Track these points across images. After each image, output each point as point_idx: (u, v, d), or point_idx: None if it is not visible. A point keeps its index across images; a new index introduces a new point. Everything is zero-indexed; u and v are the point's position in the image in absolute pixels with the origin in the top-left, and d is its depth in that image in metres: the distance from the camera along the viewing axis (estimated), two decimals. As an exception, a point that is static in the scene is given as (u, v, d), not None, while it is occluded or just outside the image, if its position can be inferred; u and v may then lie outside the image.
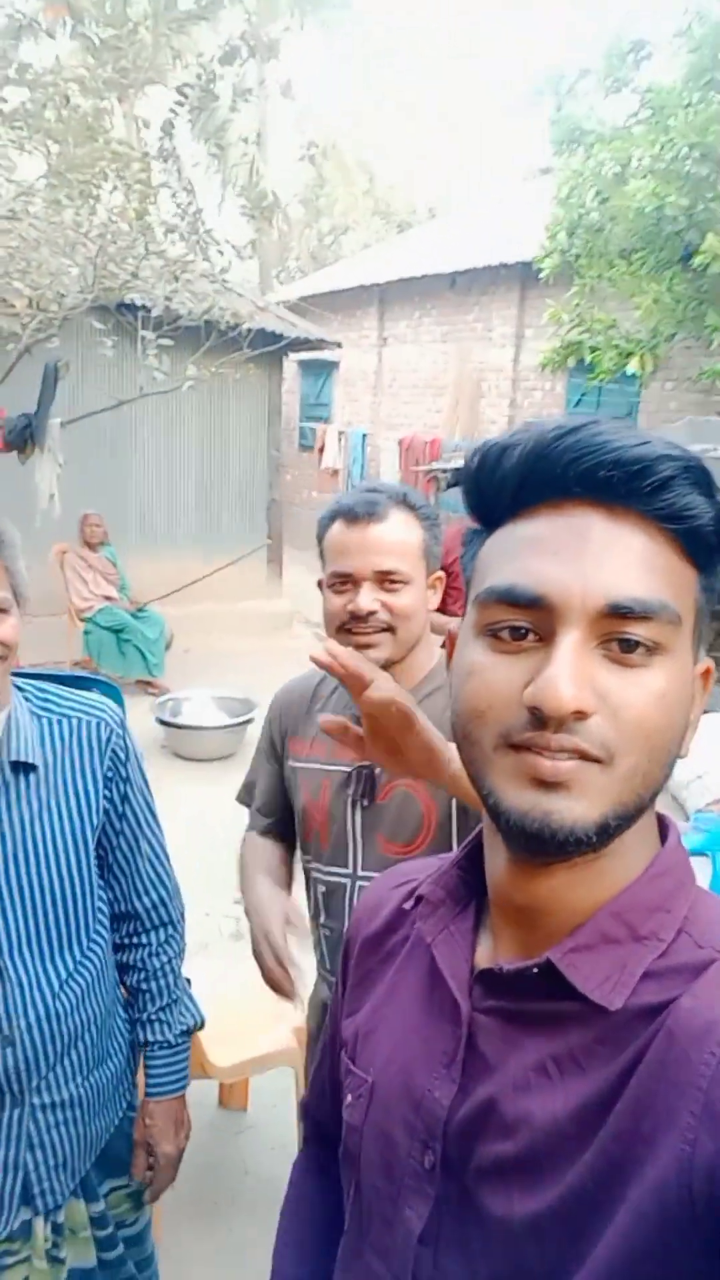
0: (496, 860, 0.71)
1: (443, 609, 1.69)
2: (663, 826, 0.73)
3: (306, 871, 1.65)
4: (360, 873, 1.54)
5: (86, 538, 7.36)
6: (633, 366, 7.93)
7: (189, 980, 1.66)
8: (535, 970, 0.66)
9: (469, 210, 16.32)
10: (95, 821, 1.42)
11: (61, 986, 1.38)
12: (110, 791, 1.44)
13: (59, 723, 1.41)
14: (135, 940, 1.55)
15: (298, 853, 1.73)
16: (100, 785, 1.42)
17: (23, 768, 1.34)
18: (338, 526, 1.52)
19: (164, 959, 1.57)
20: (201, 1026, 1.64)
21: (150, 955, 1.55)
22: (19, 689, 1.41)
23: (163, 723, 5.95)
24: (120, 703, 2.71)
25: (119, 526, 7.76)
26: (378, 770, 1.52)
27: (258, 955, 1.54)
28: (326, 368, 14.68)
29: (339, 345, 10.66)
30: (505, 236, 11.63)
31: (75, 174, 6.15)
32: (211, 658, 7.92)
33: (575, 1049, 0.64)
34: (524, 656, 0.63)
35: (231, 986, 3.28)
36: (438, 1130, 0.71)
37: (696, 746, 0.68)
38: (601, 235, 7.94)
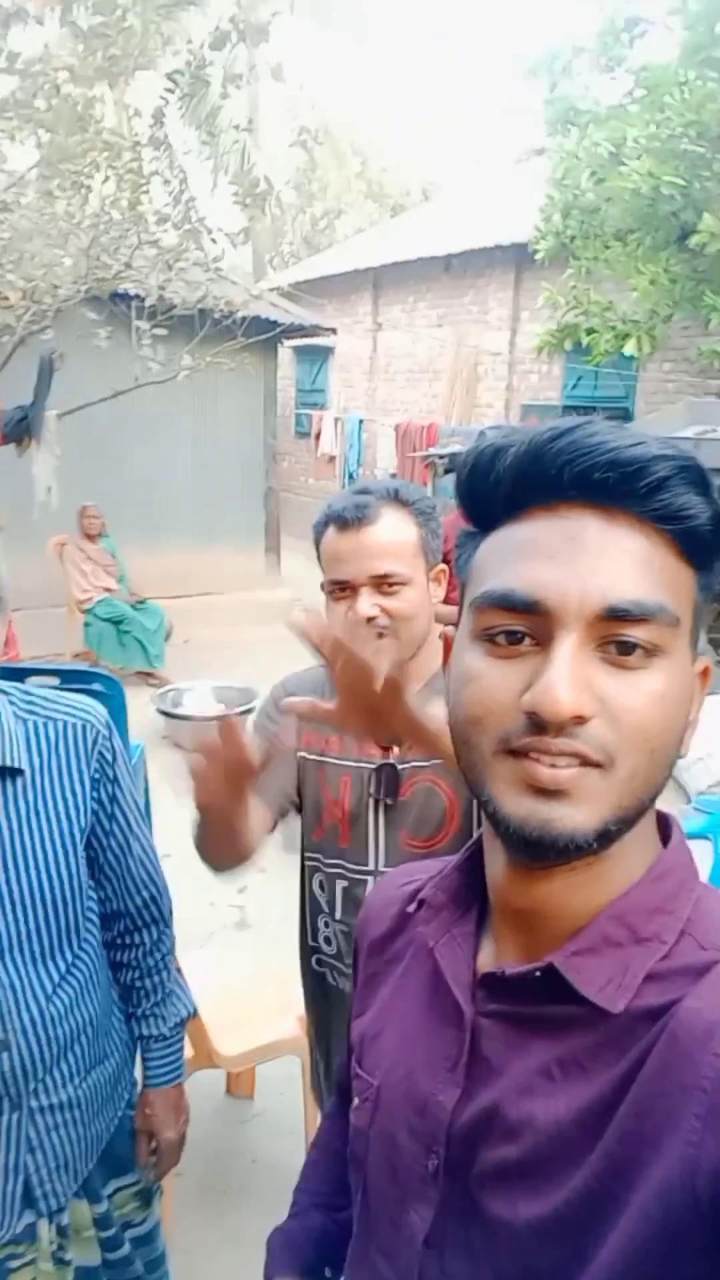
0: (496, 863, 0.71)
1: (447, 600, 1.69)
2: (665, 827, 0.72)
3: (314, 867, 1.63)
4: (381, 869, 1.54)
5: (85, 529, 7.35)
6: (630, 348, 7.91)
7: (180, 969, 1.67)
8: (538, 974, 0.66)
9: (463, 192, 16.24)
10: (84, 824, 1.41)
11: (55, 989, 1.38)
12: (99, 793, 1.43)
13: (45, 725, 1.39)
14: (128, 940, 1.56)
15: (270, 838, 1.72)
16: (88, 788, 1.41)
17: (9, 772, 1.34)
18: (330, 533, 1.50)
19: (157, 956, 1.58)
20: (194, 1016, 1.65)
21: (145, 954, 1.57)
22: (3, 692, 1.40)
23: (164, 714, 5.96)
24: (120, 695, 2.71)
25: (117, 518, 7.75)
26: (400, 766, 1.51)
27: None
28: (322, 354, 14.64)
29: (333, 331, 10.62)
30: (500, 218, 11.58)
31: (67, 164, 6.12)
32: (211, 648, 7.92)
33: (578, 1052, 0.64)
34: (521, 661, 0.63)
35: (237, 976, 3.31)
36: (441, 1134, 0.71)
37: (698, 729, 0.68)
38: (597, 216, 7.92)
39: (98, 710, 1.46)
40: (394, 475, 11.44)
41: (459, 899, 0.79)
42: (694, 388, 8.78)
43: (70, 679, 2.76)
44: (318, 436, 13.37)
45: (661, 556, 0.62)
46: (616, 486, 0.60)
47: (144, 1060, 1.60)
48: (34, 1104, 1.38)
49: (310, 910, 1.67)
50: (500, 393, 11.81)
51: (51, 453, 6.65)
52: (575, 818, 0.60)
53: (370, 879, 1.55)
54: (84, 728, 1.42)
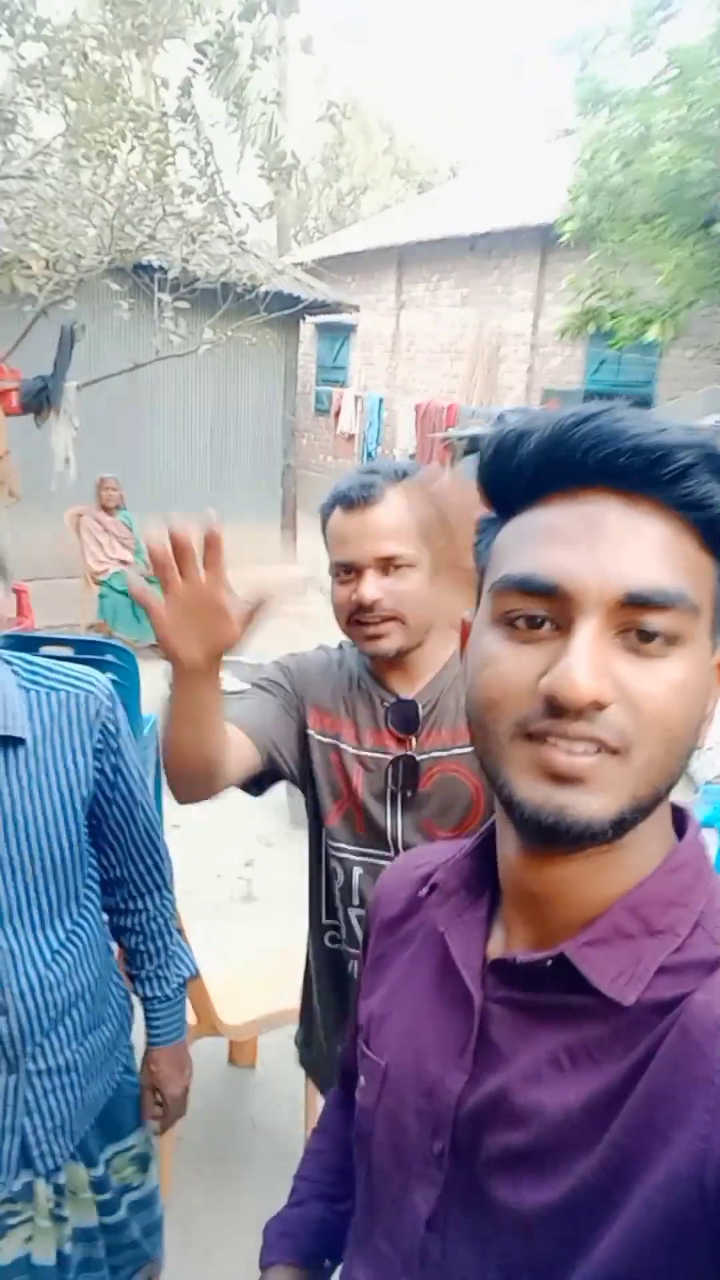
0: (509, 849, 0.71)
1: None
2: (680, 819, 0.72)
3: (329, 851, 1.58)
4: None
5: (103, 501, 7.37)
6: (652, 334, 7.86)
7: (182, 931, 1.70)
8: (549, 963, 0.66)
9: (490, 171, 16.09)
10: (85, 793, 1.43)
11: (54, 955, 1.40)
12: (101, 763, 1.44)
13: (48, 696, 1.40)
14: (131, 905, 1.59)
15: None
16: (90, 758, 1.42)
17: (10, 741, 1.35)
18: (336, 514, 1.46)
19: (160, 921, 1.61)
20: (196, 978, 1.68)
21: (148, 920, 1.60)
22: (7, 662, 1.41)
23: (176, 686, 5.98)
24: (134, 667, 2.73)
25: (134, 490, 7.76)
26: (419, 758, 1.48)
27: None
28: (344, 331, 14.58)
29: (356, 309, 10.57)
30: (527, 199, 11.49)
31: (93, 133, 6.10)
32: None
33: (588, 1042, 0.64)
34: (540, 646, 0.62)
35: (242, 946, 3.35)
36: (448, 1118, 0.71)
37: (713, 721, 0.67)
38: (624, 199, 7.85)
39: (101, 682, 1.47)
40: (413, 455, 11.43)
41: (470, 884, 0.79)
42: (718, 376, 8.71)
43: (84, 650, 2.79)
44: (337, 414, 13.35)
45: (683, 544, 0.61)
46: (639, 473, 0.60)
47: (147, 1020, 1.64)
48: (31, 1067, 1.41)
49: (325, 889, 1.65)
50: (521, 375, 11.76)
51: (70, 424, 6.66)
52: (591, 805, 0.60)
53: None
54: (87, 698, 1.43)
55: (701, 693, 0.63)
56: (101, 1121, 1.55)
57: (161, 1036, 1.64)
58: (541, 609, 0.62)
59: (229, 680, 6.59)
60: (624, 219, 7.87)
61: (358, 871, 1.56)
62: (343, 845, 1.56)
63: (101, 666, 3.22)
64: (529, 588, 0.62)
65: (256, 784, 1.55)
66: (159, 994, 1.63)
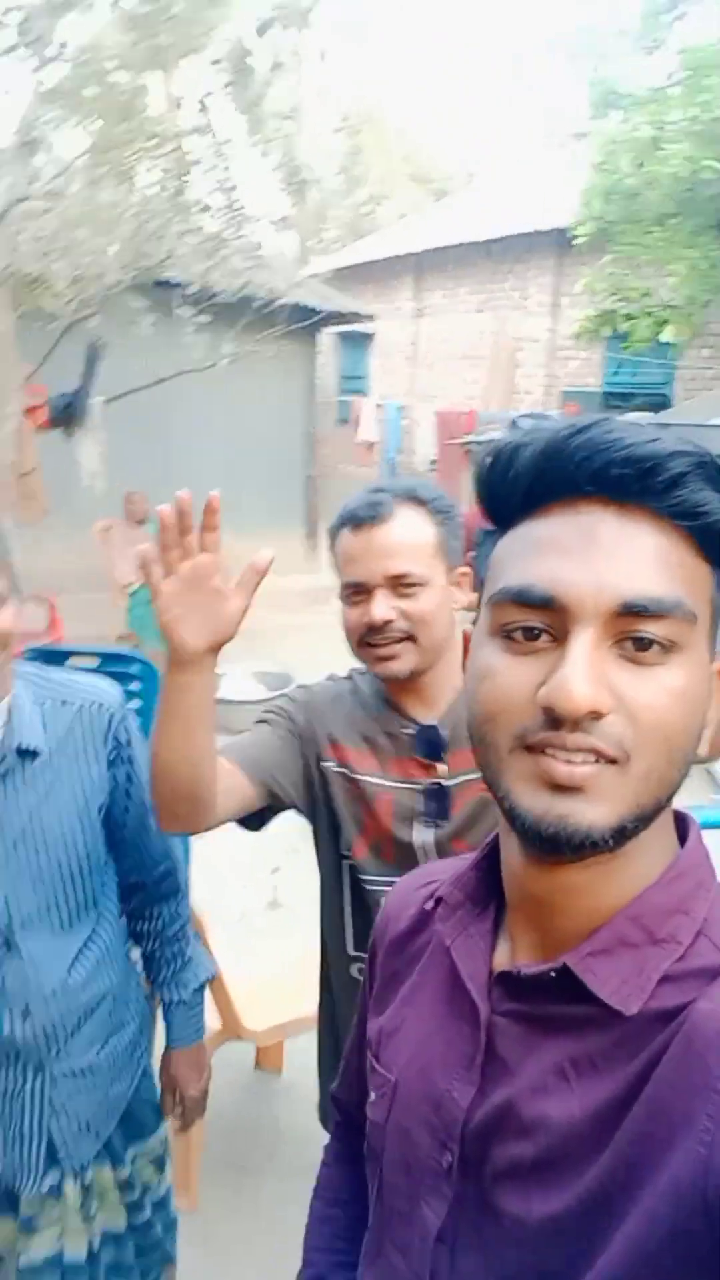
0: (512, 859, 0.71)
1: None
2: (683, 826, 0.72)
3: (360, 886, 1.50)
4: None
5: (130, 515, 7.46)
6: (668, 334, 7.86)
7: (200, 935, 1.74)
8: (552, 974, 0.66)
9: (505, 177, 16.13)
10: (101, 802, 1.48)
11: (75, 960, 1.46)
12: (114, 773, 1.49)
13: (61, 708, 1.45)
14: (147, 912, 1.64)
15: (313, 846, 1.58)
16: (104, 767, 1.47)
17: (27, 754, 1.40)
18: (345, 534, 1.43)
19: (176, 926, 1.66)
20: (214, 980, 1.72)
21: (164, 925, 1.65)
22: (22, 676, 1.46)
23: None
24: (156, 678, 2.80)
25: (159, 503, 7.79)
26: (448, 784, 1.42)
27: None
28: (364, 340, 14.64)
29: (373, 318, 10.64)
30: (541, 203, 11.51)
31: (113, 153, 6.21)
32: (249, 632, 7.96)
33: (593, 1052, 0.64)
34: (538, 657, 0.63)
35: (267, 952, 3.41)
36: (456, 1131, 0.71)
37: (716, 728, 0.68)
38: (637, 201, 7.86)
39: (113, 693, 1.52)
40: (434, 462, 11.45)
41: (476, 897, 0.79)
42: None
43: (109, 661, 2.87)
44: (357, 423, 13.40)
45: (679, 553, 0.62)
46: (633, 483, 0.60)
47: (166, 1023, 1.69)
48: (56, 1069, 1.46)
49: (354, 922, 1.55)
50: (540, 379, 11.77)
51: (96, 438, 6.78)
52: (590, 814, 0.60)
53: None
54: (99, 709, 1.48)
55: (701, 700, 0.63)
56: (124, 1122, 1.60)
57: (180, 1039, 1.68)
58: (538, 620, 0.63)
59: (253, 688, 6.65)
60: (638, 221, 7.88)
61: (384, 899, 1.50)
62: (373, 877, 1.48)
63: (125, 679, 3.29)
64: (525, 600, 0.63)
65: (257, 818, 1.49)
66: (176, 998, 1.67)
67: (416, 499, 1.42)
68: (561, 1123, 0.64)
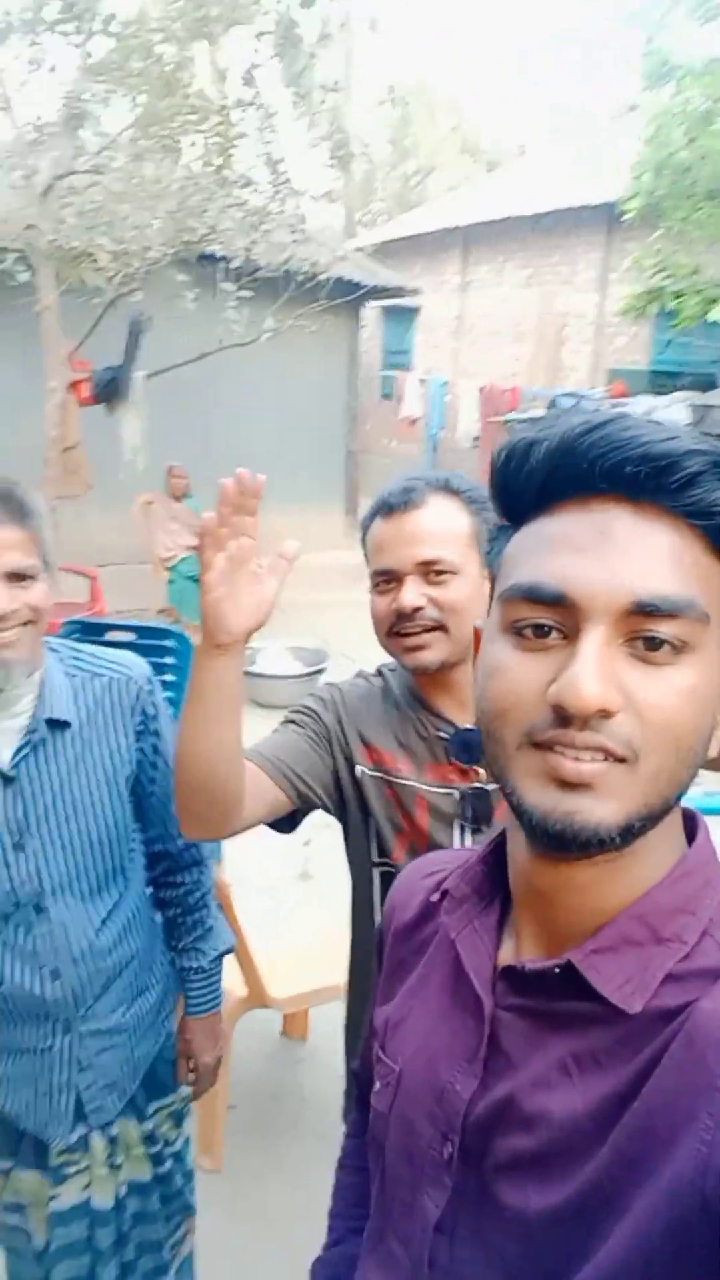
0: (519, 854, 0.71)
1: None
2: (691, 825, 0.71)
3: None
4: None
5: (171, 489, 7.53)
6: (716, 313, 7.72)
7: (220, 904, 1.79)
8: (557, 970, 0.66)
9: (556, 149, 15.88)
10: (128, 772, 1.53)
11: (102, 925, 1.52)
12: (142, 744, 1.55)
13: (90, 681, 1.51)
14: (171, 879, 1.69)
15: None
16: (131, 739, 1.53)
17: (57, 724, 1.46)
18: (376, 523, 1.40)
19: (198, 895, 1.71)
20: (240, 948, 1.76)
21: (186, 893, 1.70)
22: (53, 650, 1.52)
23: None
24: (191, 652, 2.86)
25: (200, 478, 7.89)
26: (489, 789, 1.38)
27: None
28: (409, 314, 14.54)
29: (417, 292, 10.56)
30: (591, 176, 11.32)
31: (157, 127, 6.22)
32: (287, 608, 8.01)
33: (596, 1049, 0.64)
34: (548, 654, 0.62)
35: (297, 924, 3.47)
36: (457, 1122, 0.72)
37: None
38: (688, 175, 7.70)
39: (141, 667, 1.57)
40: (476, 439, 11.39)
41: (482, 891, 0.79)
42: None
43: (146, 635, 2.92)
44: (401, 398, 13.34)
45: (693, 552, 0.61)
46: (648, 481, 0.60)
47: (184, 990, 1.74)
48: (83, 1029, 1.53)
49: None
50: (586, 356, 11.63)
51: (139, 414, 6.84)
52: (598, 812, 0.60)
53: None
54: (127, 683, 1.53)
55: (712, 700, 0.62)
56: (147, 1080, 1.67)
57: (197, 1006, 1.73)
58: (548, 618, 0.62)
59: (289, 664, 6.70)
60: (689, 196, 7.72)
61: None
62: None
63: (161, 652, 3.34)
64: (536, 596, 0.62)
65: (288, 820, 1.47)
66: (195, 965, 1.72)
67: (450, 489, 1.39)
68: (562, 1117, 0.64)
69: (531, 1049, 0.68)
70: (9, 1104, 1.54)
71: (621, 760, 0.60)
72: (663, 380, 10.30)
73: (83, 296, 6.52)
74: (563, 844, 0.61)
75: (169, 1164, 1.73)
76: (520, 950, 0.73)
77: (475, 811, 1.38)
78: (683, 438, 0.60)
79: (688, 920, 0.65)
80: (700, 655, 0.61)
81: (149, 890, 1.69)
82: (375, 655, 1.53)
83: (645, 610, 0.59)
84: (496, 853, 0.79)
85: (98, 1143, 1.60)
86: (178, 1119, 1.77)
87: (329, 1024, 3.10)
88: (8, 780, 1.42)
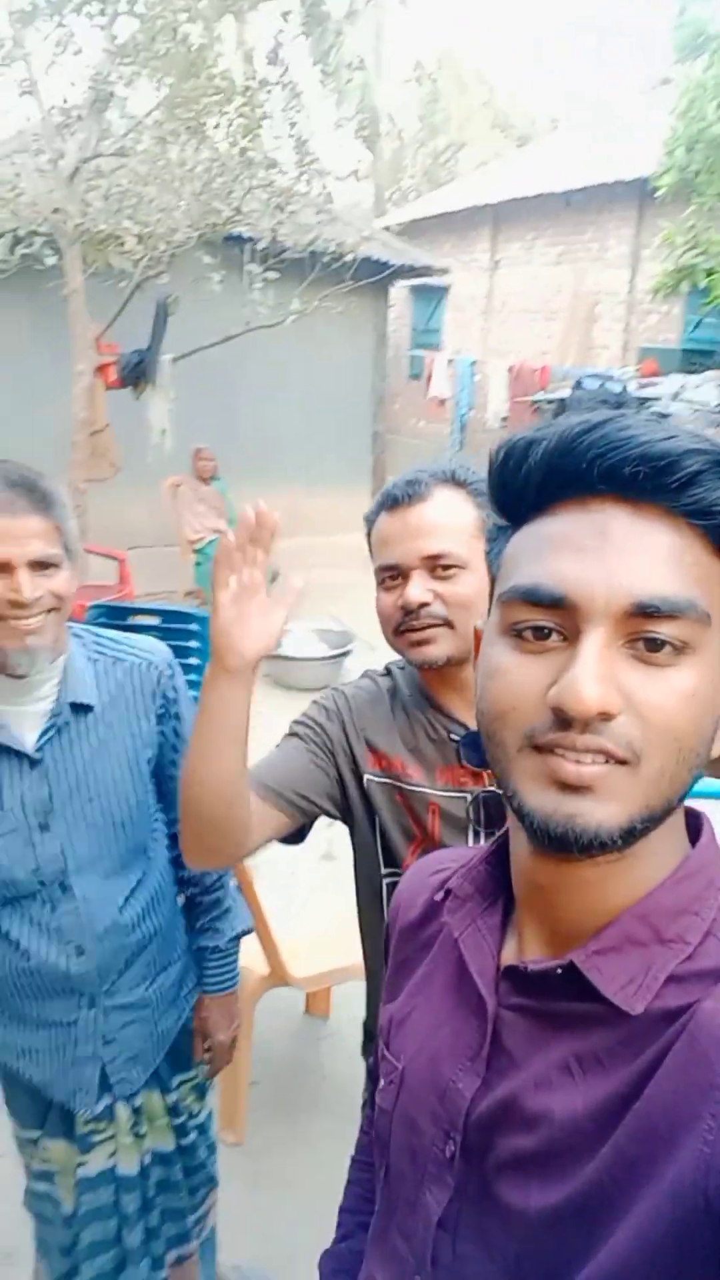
0: (521, 855, 0.72)
1: None
2: (695, 825, 0.71)
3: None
4: None
5: (199, 471, 7.56)
6: (749, 291, 7.61)
7: (239, 885, 1.83)
8: (559, 971, 0.66)
9: (587, 124, 15.65)
10: (150, 755, 1.58)
11: (125, 902, 1.57)
12: (163, 727, 1.59)
13: (113, 666, 1.55)
14: None
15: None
16: (153, 722, 1.57)
17: (80, 708, 1.50)
18: (381, 517, 1.37)
19: (215, 875, 1.75)
20: (250, 932, 1.81)
21: (204, 874, 1.74)
22: (76, 635, 1.55)
23: (264, 654, 6.17)
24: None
25: (227, 460, 7.92)
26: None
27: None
28: (438, 293, 14.42)
29: (445, 271, 10.49)
30: (623, 152, 11.17)
31: (183, 109, 6.21)
32: (312, 590, 8.01)
33: (598, 1049, 0.65)
34: (548, 656, 0.62)
35: (318, 904, 3.50)
36: (459, 1121, 0.72)
37: None
38: (722, 150, 7.58)
39: (161, 652, 1.61)
40: (505, 419, 11.32)
41: (486, 890, 0.79)
42: None
43: (170, 619, 2.96)
44: (429, 378, 13.26)
45: (693, 552, 0.60)
46: (647, 481, 0.59)
47: (201, 969, 1.78)
48: (108, 1003, 1.58)
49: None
50: (618, 334, 11.51)
51: (166, 396, 6.87)
52: (599, 813, 0.60)
53: None
54: (148, 667, 1.57)
55: (713, 701, 0.62)
56: (171, 1053, 1.71)
57: (213, 985, 1.77)
58: (548, 620, 0.62)
59: (314, 645, 6.72)
60: (722, 171, 7.63)
61: None
62: None
63: (185, 635, 3.39)
64: (535, 598, 0.62)
65: (296, 834, 1.46)
66: (213, 945, 1.76)
67: (456, 480, 1.36)
68: (564, 1117, 0.64)
69: (534, 1049, 0.69)
70: (37, 1075, 1.60)
71: (623, 762, 0.60)
72: (694, 358, 10.18)
73: (109, 280, 6.54)
74: (564, 846, 0.61)
75: (193, 1135, 1.78)
76: (523, 950, 0.73)
77: (488, 815, 1.37)
78: (681, 437, 0.59)
79: (691, 921, 0.65)
80: (701, 656, 0.61)
81: (172, 869, 1.72)
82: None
83: (645, 611, 0.59)
84: (499, 852, 0.79)
85: (123, 1113, 1.65)
86: (201, 1092, 1.82)
87: (352, 1003, 3.15)
88: (33, 763, 1.46)
